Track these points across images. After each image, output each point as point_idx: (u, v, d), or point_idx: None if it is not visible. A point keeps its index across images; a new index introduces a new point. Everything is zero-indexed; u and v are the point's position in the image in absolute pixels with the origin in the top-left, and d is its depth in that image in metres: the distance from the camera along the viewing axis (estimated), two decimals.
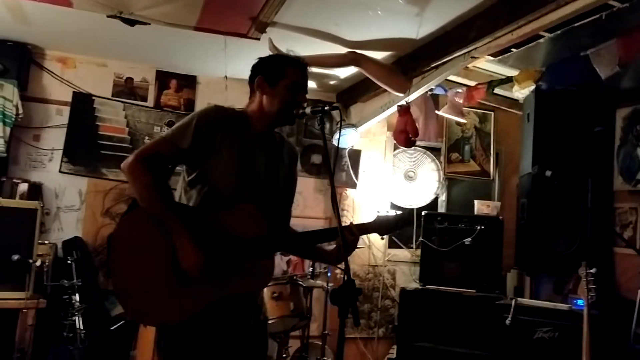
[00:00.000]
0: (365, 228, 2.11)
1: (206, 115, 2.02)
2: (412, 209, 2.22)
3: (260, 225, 1.98)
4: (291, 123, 2.14)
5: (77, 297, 3.70)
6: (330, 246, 2.16)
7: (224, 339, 1.99)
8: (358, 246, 2.14)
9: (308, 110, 2.01)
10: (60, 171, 4.41)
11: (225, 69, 4.22)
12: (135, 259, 1.93)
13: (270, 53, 3.55)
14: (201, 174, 2.00)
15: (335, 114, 2.15)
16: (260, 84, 2.09)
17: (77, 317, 3.66)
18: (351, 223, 2.13)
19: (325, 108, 1.95)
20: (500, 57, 3.67)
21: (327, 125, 4.93)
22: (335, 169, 4.79)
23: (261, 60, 2.17)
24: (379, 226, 2.10)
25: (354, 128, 4.69)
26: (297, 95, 2.08)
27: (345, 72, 4.33)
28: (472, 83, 4.32)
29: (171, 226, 1.90)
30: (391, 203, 5.01)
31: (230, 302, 1.96)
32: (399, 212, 2.14)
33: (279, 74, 2.08)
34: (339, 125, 2.32)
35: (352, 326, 4.73)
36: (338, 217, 1.86)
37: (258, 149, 2.09)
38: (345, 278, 1.69)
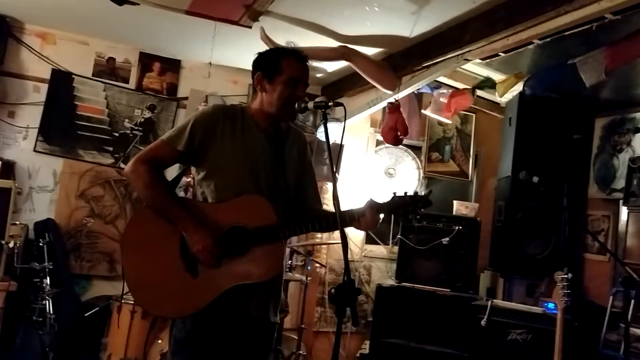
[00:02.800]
0: (382, 208, 2.03)
1: (202, 116, 2.06)
2: (430, 191, 2.08)
3: (267, 213, 1.98)
4: (292, 119, 2.14)
5: (47, 280, 3.60)
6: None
7: (234, 331, 2.01)
8: (334, 241, 2.11)
9: (311, 105, 1.99)
10: (34, 150, 4.27)
11: (211, 55, 4.13)
12: (145, 255, 2.00)
13: (261, 42, 3.51)
14: (208, 171, 2.05)
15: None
16: (259, 80, 2.10)
17: (47, 301, 3.57)
18: (370, 201, 2.04)
19: (329, 104, 1.93)
20: (486, 61, 3.71)
21: (311, 118, 4.90)
22: (317, 162, 4.76)
23: (259, 55, 2.15)
24: (395, 207, 2.02)
25: (338, 122, 4.67)
26: (296, 89, 2.06)
27: (333, 66, 4.30)
28: (456, 84, 4.35)
29: (175, 217, 1.95)
30: (370, 199, 5.01)
31: (241, 292, 1.96)
32: (417, 193, 2.03)
33: (275, 69, 2.06)
34: (323, 120, 2.25)
35: (326, 320, 4.82)
36: (338, 212, 1.84)
37: (262, 141, 2.09)
38: (345, 278, 1.68)
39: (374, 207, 2.02)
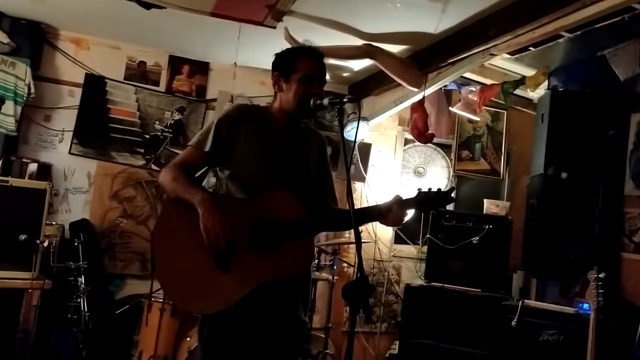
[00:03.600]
0: (408, 203, 2.08)
1: (225, 116, 2.11)
2: (453, 187, 2.15)
3: (297, 208, 2.02)
4: (309, 116, 2.16)
5: (82, 279, 3.69)
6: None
7: (264, 328, 2.02)
8: (364, 240, 2.13)
9: (326, 101, 2.00)
10: (70, 152, 4.40)
11: (236, 56, 4.18)
12: (175, 251, 2.00)
13: (286, 42, 3.53)
14: (233, 168, 2.08)
15: (348, 106, 2.14)
16: (277, 80, 2.14)
17: (81, 300, 3.65)
18: (397, 196, 2.09)
19: (344, 100, 1.93)
20: (516, 56, 3.64)
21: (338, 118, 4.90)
22: (344, 161, 4.76)
23: (276, 56, 2.19)
24: (421, 202, 2.08)
25: (365, 121, 4.65)
26: (311, 87, 2.08)
27: (359, 65, 4.29)
28: (486, 80, 4.29)
29: (193, 198, 1.95)
30: (397, 195, 4.98)
31: (273, 287, 1.97)
32: (440, 189, 2.09)
33: (290, 67, 2.10)
34: (349, 118, 2.32)
35: (364, 322, 4.80)
36: (352, 210, 1.85)
37: (282, 141, 2.12)
38: (358, 274, 1.68)
39: (400, 203, 2.07)
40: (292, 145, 2.13)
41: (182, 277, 1.97)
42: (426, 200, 2.07)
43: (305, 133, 2.21)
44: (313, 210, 2.07)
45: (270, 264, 1.96)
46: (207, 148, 2.06)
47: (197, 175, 2.19)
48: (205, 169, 2.29)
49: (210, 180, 2.27)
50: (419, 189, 2.11)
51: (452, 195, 2.09)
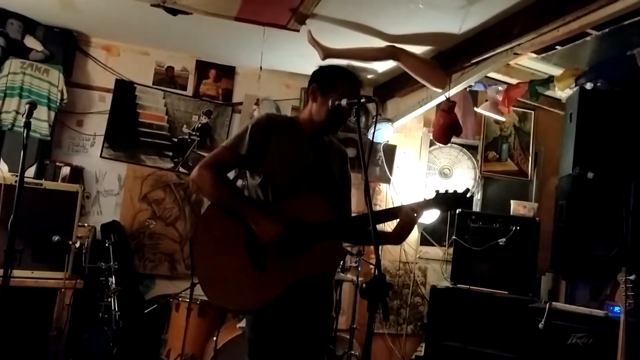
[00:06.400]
0: (427, 204, 2.19)
1: (258, 123, 2.19)
2: (467, 189, 2.24)
3: (325, 211, 2.11)
4: (335, 132, 2.29)
5: (113, 279, 3.77)
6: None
7: (304, 322, 2.12)
8: None
9: (344, 102, 2.04)
10: (101, 156, 4.51)
11: (261, 60, 4.23)
12: (214, 251, 2.11)
13: (309, 45, 3.56)
14: (262, 175, 2.15)
15: (372, 107, 2.20)
16: (314, 91, 2.22)
17: (112, 299, 3.74)
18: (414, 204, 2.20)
19: (362, 100, 1.96)
20: (543, 55, 3.58)
21: (363, 119, 4.90)
22: (369, 163, 4.76)
23: (319, 68, 2.28)
24: (440, 202, 2.18)
25: (390, 123, 4.65)
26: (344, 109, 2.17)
27: (383, 66, 4.30)
28: (512, 80, 4.24)
29: (243, 211, 2.07)
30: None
31: (306, 286, 2.07)
32: (458, 190, 2.21)
33: (331, 84, 2.18)
34: (374, 119, 2.36)
35: (382, 321, 4.80)
36: (370, 210, 1.87)
37: (309, 149, 2.22)
38: (376, 272, 1.69)
39: (414, 205, 2.18)
40: (318, 155, 2.23)
41: (221, 276, 2.07)
42: (443, 201, 2.17)
43: (328, 144, 2.32)
44: (338, 214, 2.18)
45: (303, 262, 2.07)
46: (243, 151, 2.13)
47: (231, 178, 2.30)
48: (237, 174, 2.39)
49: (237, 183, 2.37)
50: (437, 191, 2.22)
51: (468, 195, 2.20)
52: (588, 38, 3.20)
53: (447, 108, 3.96)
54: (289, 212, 2.08)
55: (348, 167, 2.41)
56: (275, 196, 2.14)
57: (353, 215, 2.39)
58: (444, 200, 2.17)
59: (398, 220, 2.18)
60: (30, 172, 4.14)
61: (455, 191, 2.19)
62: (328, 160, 2.27)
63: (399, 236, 2.21)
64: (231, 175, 2.32)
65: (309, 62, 3.51)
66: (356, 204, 4.94)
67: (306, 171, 2.17)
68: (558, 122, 4.74)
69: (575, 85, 4.01)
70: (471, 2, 2.96)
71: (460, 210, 4.50)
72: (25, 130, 2.56)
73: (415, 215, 2.15)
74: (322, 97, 2.18)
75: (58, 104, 4.27)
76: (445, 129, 4.04)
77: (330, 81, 2.19)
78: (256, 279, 2.05)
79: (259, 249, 2.06)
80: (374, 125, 2.32)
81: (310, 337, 2.14)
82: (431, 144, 5.03)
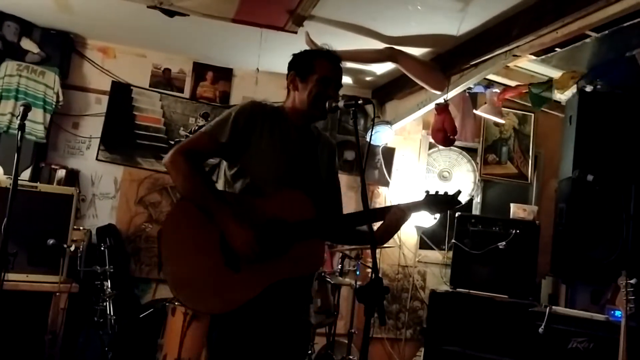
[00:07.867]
0: (415, 206, 2.10)
1: (243, 110, 2.06)
2: (459, 190, 2.17)
3: (306, 208, 1.99)
4: (323, 117, 2.14)
5: (108, 283, 3.74)
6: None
7: (276, 328, 2.00)
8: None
9: (341, 104, 1.99)
10: (97, 159, 4.49)
11: (258, 62, 4.20)
12: (185, 249, 1.96)
13: (307, 47, 3.54)
14: (242, 166, 2.04)
15: (370, 109, 2.14)
16: (293, 79, 2.13)
17: (108, 303, 3.71)
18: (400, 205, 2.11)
19: (359, 102, 1.92)
20: (543, 57, 3.56)
21: (362, 122, 4.87)
22: (368, 166, 4.74)
23: (294, 56, 2.19)
24: (429, 204, 2.10)
25: (389, 125, 4.63)
26: (327, 89, 2.08)
27: (382, 68, 4.28)
28: (512, 82, 4.21)
29: (215, 211, 1.93)
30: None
31: (283, 289, 1.95)
32: (448, 192, 2.13)
33: (308, 68, 2.09)
34: (372, 122, 2.31)
35: (380, 326, 4.77)
36: (367, 212, 1.83)
37: (296, 140, 2.11)
38: (373, 276, 1.65)
39: (402, 205, 2.09)
40: (305, 146, 2.12)
41: (191, 275, 1.93)
42: (433, 203, 2.09)
43: (316, 136, 2.20)
44: (322, 211, 2.05)
45: (281, 264, 1.94)
46: (224, 139, 1.98)
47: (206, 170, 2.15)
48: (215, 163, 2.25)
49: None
50: (427, 192, 2.14)
51: (459, 197, 2.12)
52: (587, 40, 3.18)
53: (438, 109, 3.94)
54: (267, 210, 1.96)
55: (336, 160, 2.29)
56: (254, 191, 2.00)
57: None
58: (434, 202, 2.09)
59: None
60: (26, 174, 4.11)
61: (445, 192, 2.11)
62: (315, 153, 2.15)
63: (381, 237, 2.10)
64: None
65: None
66: (355, 207, 4.92)
67: (290, 165, 2.05)
68: (558, 125, 4.72)
69: (576, 88, 3.99)
70: (468, 4, 2.93)
71: (459, 213, 4.49)
72: (20, 132, 2.53)
73: (403, 216, 2.06)
74: (302, 82, 2.08)
75: (54, 106, 4.24)
76: (437, 129, 4.01)
77: (307, 64, 2.08)
78: (229, 280, 1.91)
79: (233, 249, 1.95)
80: (372, 128, 2.29)
81: (282, 345, 2.01)
82: (430, 146, 5.01)
